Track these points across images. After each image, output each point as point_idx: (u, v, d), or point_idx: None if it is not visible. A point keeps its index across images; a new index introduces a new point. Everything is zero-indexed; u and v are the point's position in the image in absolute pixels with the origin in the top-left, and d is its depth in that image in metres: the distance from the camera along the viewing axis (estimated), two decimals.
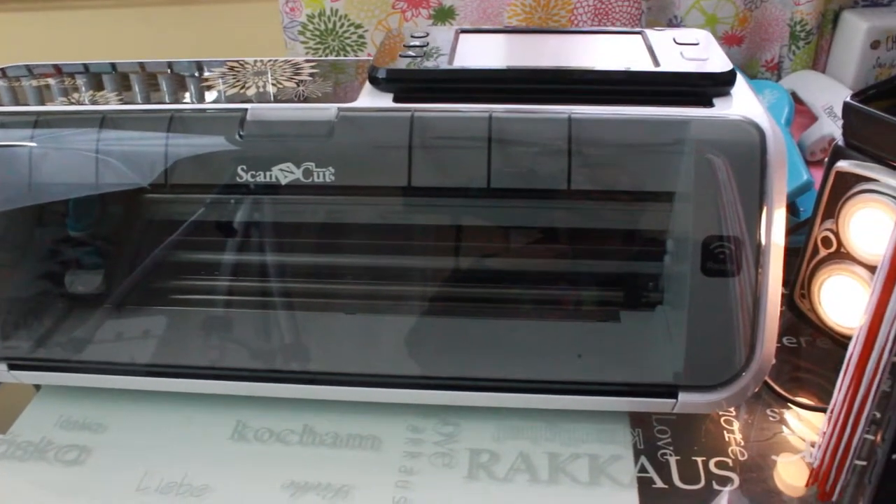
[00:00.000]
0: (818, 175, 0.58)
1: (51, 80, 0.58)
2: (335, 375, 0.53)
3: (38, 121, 0.51)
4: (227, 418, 0.55)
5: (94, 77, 0.59)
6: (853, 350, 0.43)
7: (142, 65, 0.61)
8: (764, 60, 0.87)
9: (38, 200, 0.53)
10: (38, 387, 0.59)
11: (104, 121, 0.50)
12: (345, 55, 0.87)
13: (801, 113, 0.77)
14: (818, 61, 0.86)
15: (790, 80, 0.83)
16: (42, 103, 0.54)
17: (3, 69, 0.61)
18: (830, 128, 0.73)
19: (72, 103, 0.53)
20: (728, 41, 0.84)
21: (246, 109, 0.50)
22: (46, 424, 0.55)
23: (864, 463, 0.49)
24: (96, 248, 0.57)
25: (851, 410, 0.43)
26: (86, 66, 0.61)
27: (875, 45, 0.80)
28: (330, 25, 0.85)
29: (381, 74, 0.50)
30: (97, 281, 0.57)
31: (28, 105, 0.54)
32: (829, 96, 0.76)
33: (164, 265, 0.57)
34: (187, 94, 0.55)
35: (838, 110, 0.70)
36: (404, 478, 0.50)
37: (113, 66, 0.61)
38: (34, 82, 0.58)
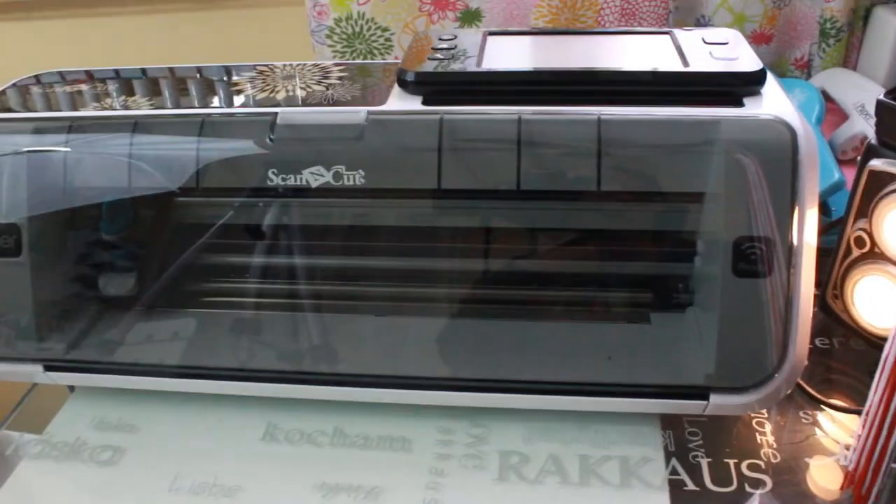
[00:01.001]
0: (849, 174, 0.57)
1: (83, 86, 0.59)
2: (365, 377, 0.53)
3: (73, 126, 0.52)
4: (258, 420, 0.55)
5: (125, 82, 0.59)
6: (889, 351, 0.42)
7: (171, 70, 0.62)
8: (793, 58, 0.86)
9: (72, 204, 0.53)
10: (72, 388, 0.59)
11: (136, 125, 0.51)
12: (372, 58, 0.87)
13: (831, 111, 0.77)
14: (849, 58, 0.85)
15: (820, 78, 0.82)
16: (75, 109, 0.55)
17: (37, 76, 0.62)
18: (862, 126, 0.72)
19: (104, 109, 0.54)
20: (757, 40, 0.83)
21: (276, 113, 0.50)
22: (81, 425, 0.56)
23: None
24: (129, 251, 0.58)
25: (888, 412, 0.43)
26: (117, 71, 0.62)
27: None
28: (357, 29, 0.86)
29: (410, 77, 0.50)
30: (130, 283, 0.57)
31: (62, 111, 0.55)
32: (860, 94, 0.75)
33: (195, 268, 0.57)
34: (217, 99, 0.55)
35: (870, 108, 0.69)
36: (435, 479, 0.50)
37: (143, 71, 0.62)
38: (67, 88, 0.59)
